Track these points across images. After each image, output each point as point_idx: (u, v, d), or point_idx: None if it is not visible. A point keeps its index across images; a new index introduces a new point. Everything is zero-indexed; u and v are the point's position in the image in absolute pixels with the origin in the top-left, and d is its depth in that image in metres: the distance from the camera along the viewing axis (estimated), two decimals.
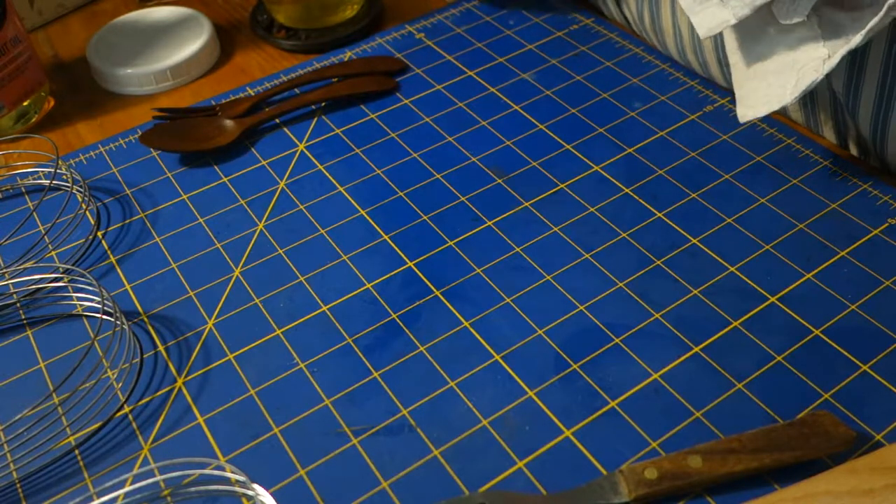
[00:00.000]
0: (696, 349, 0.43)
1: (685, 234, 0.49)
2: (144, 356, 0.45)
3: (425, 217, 0.51)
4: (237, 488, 0.39)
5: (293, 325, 0.46)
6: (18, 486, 0.40)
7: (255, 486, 0.38)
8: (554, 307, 0.46)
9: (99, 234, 0.52)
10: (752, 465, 0.37)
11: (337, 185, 0.54)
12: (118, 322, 0.45)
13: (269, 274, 0.49)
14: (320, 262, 0.49)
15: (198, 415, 0.42)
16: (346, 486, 0.39)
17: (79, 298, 0.47)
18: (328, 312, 0.46)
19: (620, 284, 0.47)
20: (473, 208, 0.52)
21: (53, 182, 0.55)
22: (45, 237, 0.51)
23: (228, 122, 0.58)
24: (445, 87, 0.61)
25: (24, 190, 0.56)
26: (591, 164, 0.54)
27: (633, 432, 0.40)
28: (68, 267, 0.48)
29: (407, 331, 0.45)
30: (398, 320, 0.46)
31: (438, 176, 0.54)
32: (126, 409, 0.43)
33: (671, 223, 0.50)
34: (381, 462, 0.40)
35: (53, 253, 0.51)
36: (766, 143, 0.54)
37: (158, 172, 0.56)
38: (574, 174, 0.53)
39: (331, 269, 0.49)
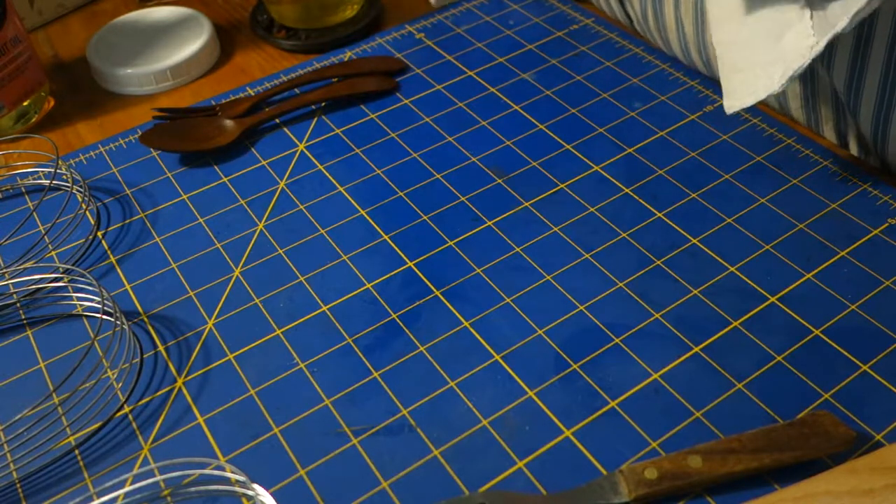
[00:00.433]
0: (696, 349, 0.43)
1: (685, 234, 0.49)
2: (144, 356, 0.45)
3: (425, 217, 0.51)
4: (237, 488, 0.39)
5: (293, 325, 0.46)
6: (18, 486, 0.40)
7: (255, 486, 0.38)
8: (554, 307, 0.46)
9: (99, 234, 0.52)
10: (752, 465, 0.37)
11: (337, 185, 0.54)
12: (118, 322, 0.45)
13: (269, 274, 0.49)
14: (320, 262, 0.49)
15: (198, 415, 0.42)
16: (346, 486, 0.39)
17: (79, 298, 0.47)
18: (328, 312, 0.46)
19: (620, 284, 0.47)
20: (473, 208, 0.52)
21: (53, 182, 0.55)
22: (45, 237, 0.51)
23: (228, 122, 0.58)
24: (445, 87, 0.61)
25: (24, 190, 0.56)
26: (591, 164, 0.54)
27: (633, 432, 0.40)
28: (68, 267, 0.48)
29: (407, 331, 0.45)
30: (398, 320, 0.46)
31: (438, 176, 0.54)
32: (126, 409, 0.43)
33: (671, 223, 0.50)
34: (381, 462, 0.40)
35: (53, 253, 0.51)
36: (766, 143, 0.54)
37: (158, 172, 0.56)
38: (574, 174, 0.53)
39: (331, 269, 0.49)
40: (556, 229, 0.50)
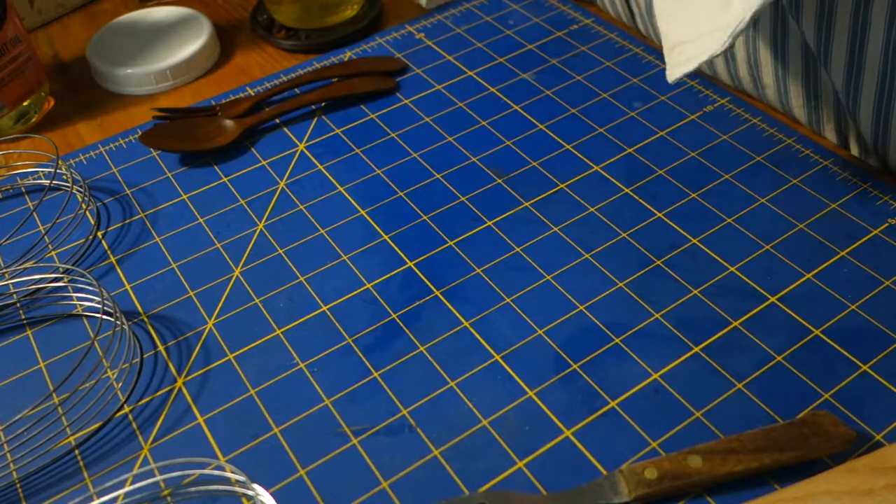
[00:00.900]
0: (696, 349, 0.43)
1: (685, 234, 0.49)
2: (144, 356, 0.45)
3: (425, 217, 0.51)
4: (237, 488, 0.39)
5: (293, 325, 0.46)
6: (18, 486, 0.40)
7: (255, 486, 0.38)
8: (554, 307, 0.46)
9: (99, 234, 0.52)
10: (752, 465, 0.37)
11: (337, 185, 0.54)
12: (118, 322, 0.45)
13: (269, 274, 0.49)
14: (320, 262, 0.49)
15: (198, 415, 0.42)
16: (346, 486, 0.39)
17: (79, 298, 0.47)
18: (328, 312, 0.46)
19: (620, 284, 0.47)
20: (473, 208, 0.52)
21: (53, 182, 0.55)
22: (45, 237, 0.51)
23: (228, 122, 0.58)
24: (445, 87, 0.61)
25: (24, 190, 0.56)
26: (591, 164, 0.54)
27: (633, 432, 0.40)
28: (68, 267, 0.48)
29: (407, 331, 0.45)
30: (398, 320, 0.46)
31: (438, 176, 0.54)
32: (126, 409, 0.43)
33: (671, 223, 0.50)
34: (381, 462, 0.40)
35: (53, 253, 0.51)
36: (766, 143, 0.54)
37: (158, 172, 0.56)
38: (574, 174, 0.53)
39: (331, 269, 0.49)
40: (556, 229, 0.50)
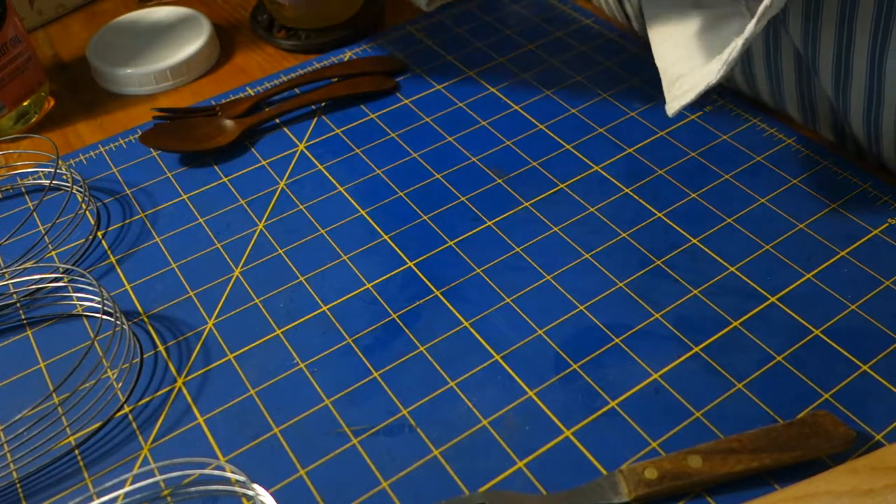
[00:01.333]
0: (696, 349, 0.43)
1: (685, 234, 0.49)
2: (144, 356, 0.45)
3: (425, 217, 0.51)
4: (237, 488, 0.39)
5: (293, 325, 0.46)
6: (18, 486, 0.40)
7: (255, 486, 0.38)
8: (554, 307, 0.46)
9: (99, 234, 0.52)
10: (752, 465, 0.37)
11: (337, 185, 0.54)
12: (118, 322, 0.45)
13: (269, 274, 0.49)
14: (320, 262, 0.49)
15: (198, 415, 0.42)
16: (346, 486, 0.39)
17: (79, 298, 0.47)
18: (328, 312, 0.46)
19: (620, 284, 0.47)
20: (473, 208, 0.52)
21: (53, 182, 0.55)
22: (45, 237, 0.51)
23: (228, 122, 0.58)
24: (445, 87, 0.61)
25: (24, 190, 0.56)
26: (591, 164, 0.54)
27: (633, 432, 0.40)
28: (68, 267, 0.48)
29: (407, 331, 0.45)
30: (398, 320, 0.46)
31: (438, 176, 0.54)
32: (126, 409, 0.43)
33: (671, 223, 0.50)
34: (381, 462, 0.40)
35: (53, 253, 0.51)
36: (766, 143, 0.54)
37: (158, 172, 0.56)
38: (574, 174, 0.53)
39: (331, 269, 0.49)
40: (556, 229, 0.50)
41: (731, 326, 0.44)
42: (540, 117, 0.58)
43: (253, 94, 0.62)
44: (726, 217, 0.50)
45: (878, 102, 0.47)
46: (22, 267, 0.49)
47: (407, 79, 0.62)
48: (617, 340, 0.44)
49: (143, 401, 0.43)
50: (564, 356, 0.43)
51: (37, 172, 0.56)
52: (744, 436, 0.38)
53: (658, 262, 0.48)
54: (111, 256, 0.50)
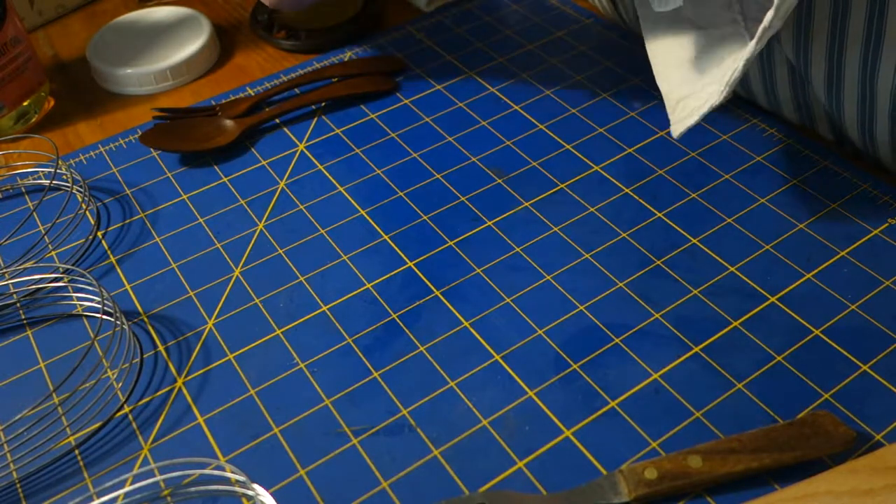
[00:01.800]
0: (696, 349, 0.43)
1: (685, 234, 0.49)
2: (144, 356, 0.45)
3: (425, 217, 0.51)
4: (237, 488, 0.39)
5: (293, 325, 0.46)
6: (18, 486, 0.40)
7: (255, 486, 0.38)
8: (554, 307, 0.46)
9: (99, 234, 0.52)
10: (752, 465, 0.37)
11: (337, 185, 0.54)
12: (118, 322, 0.45)
13: (269, 274, 0.49)
14: (320, 262, 0.49)
15: (198, 415, 0.42)
16: (346, 486, 0.39)
17: (79, 298, 0.47)
18: (328, 312, 0.46)
19: (620, 284, 0.47)
20: (473, 208, 0.52)
21: (53, 182, 0.55)
22: (45, 237, 0.51)
23: (228, 122, 0.58)
24: (445, 87, 0.61)
25: (24, 190, 0.56)
26: (591, 164, 0.54)
27: (633, 432, 0.40)
28: (68, 267, 0.48)
29: (407, 331, 0.45)
30: (398, 320, 0.46)
31: (438, 176, 0.54)
32: (126, 409, 0.43)
33: (671, 223, 0.50)
34: (381, 462, 0.40)
35: (53, 253, 0.51)
36: (766, 143, 0.54)
37: (158, 172, 0.56)
38: (574, 174, 0.53)
39: (331, 269, 0.49)
40: (556, 229, 0.50)
41: (731, 326, 0.44)
42: (540, 117, 0.58)
43: (253, 94, 0.62)
44: (726, 217, 0.50)
45: (872, 111, 0.48)
46: (22, 267, 0.49)
47: (407, 79, 0.62)
48: (617, 340, 0.44)
49: (143, 401, 0.43)
50: (564, 356, 0.43)
51: (37, 172, 0.56)
52: (744, 436, 0.38)
53: (658, 262, 0.48)
54: (111, 256, 0.50)
